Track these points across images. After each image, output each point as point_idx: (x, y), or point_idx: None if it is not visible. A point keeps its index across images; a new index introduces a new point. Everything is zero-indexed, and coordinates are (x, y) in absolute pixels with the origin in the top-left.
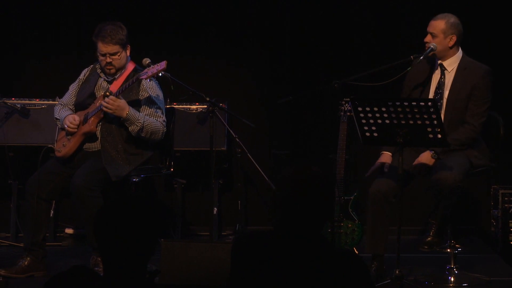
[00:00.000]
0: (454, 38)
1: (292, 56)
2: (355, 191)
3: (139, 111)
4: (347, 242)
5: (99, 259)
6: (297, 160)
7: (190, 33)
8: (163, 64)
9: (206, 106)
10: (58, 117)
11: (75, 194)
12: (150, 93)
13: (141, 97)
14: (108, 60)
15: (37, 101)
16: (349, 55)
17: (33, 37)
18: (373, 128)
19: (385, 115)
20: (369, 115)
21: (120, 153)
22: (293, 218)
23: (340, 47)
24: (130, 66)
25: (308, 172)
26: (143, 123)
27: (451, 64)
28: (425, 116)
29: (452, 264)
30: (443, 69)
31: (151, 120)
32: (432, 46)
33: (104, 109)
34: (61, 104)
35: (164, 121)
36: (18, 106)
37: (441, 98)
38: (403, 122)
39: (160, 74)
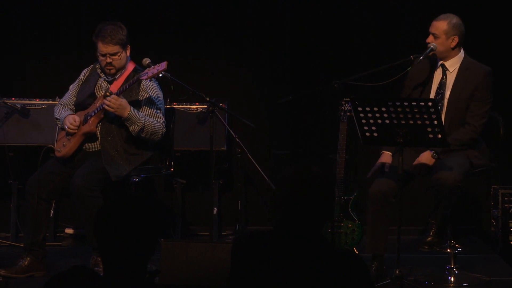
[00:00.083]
0: (456, 39)
1: (292, 56)
2: (355, 191)
3: (139, 112)
4: (347, 242)
5: (99, 259)
6: (297, 160)
7: (190, 33)
8: (163, 65)
9: (206, 106)
10: (58, 117)
11: (75, 194)
12: (150, 93)
13: (141, 98)
14: (108, 60)
15: (37, 101)
16: (349, 55)
17: (33, 37)
18: (373, 128)
19: (385, 115)
20: (369, 115)
21: (120, 153)
22: (293, 218)
23: (340, 47)
24: (130, 66)
25: (308, 172)
26: (144, 123)
27: (453, 64)
28: (425, 116)
29: (452, 264)
30: (444, 70)
31: (151, 120)
32: (432, 46)
33: (106, 107)
34: (61, 104)
35: (163, 122)
36: (18, 106)
37: (442, 98)
38: (403, 122)
39: (161, 75)
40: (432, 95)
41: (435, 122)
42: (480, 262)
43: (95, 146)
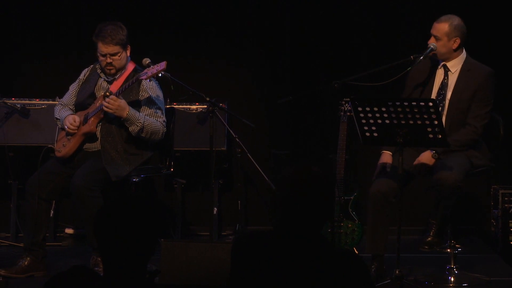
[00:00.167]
0: (458, 41)
1: (292, 56)
2: (355, 191)
3: (139, 112)
4: (347, 242)
5: (99, 259)
6: (297, 160)
7: (190, 33)
8: (163, 65)
9: (206, 106)
10: (58, 117)
11: (75, 194)
12: (150, 93)
13: (141, 98)
14: (109, 60)
15: (37, 101)
16: (349, 55)
17: (33, 37)
18: (373, 128)
19: (385, 115)
20: (369, 115)
21: (120, 153)
22: (293, 218)
23: (340, 47)
24: (130, 67)
25: (308, 172)
26: (143, 123)
27: (455, 65)
28: (425, 116)
29: (452, 264)
30: (446, 70)
31: (151, 120)
32: (432, 46)
33: (105, 109)
34: (61, 104)
35: (164, 121)
36: (18, 106)
37: (444, 99)
38: (403, 122)
39: (160, 75)
40: (433, 96)
41: (435, 122)
42: (480, 262)
43: (95, 146)
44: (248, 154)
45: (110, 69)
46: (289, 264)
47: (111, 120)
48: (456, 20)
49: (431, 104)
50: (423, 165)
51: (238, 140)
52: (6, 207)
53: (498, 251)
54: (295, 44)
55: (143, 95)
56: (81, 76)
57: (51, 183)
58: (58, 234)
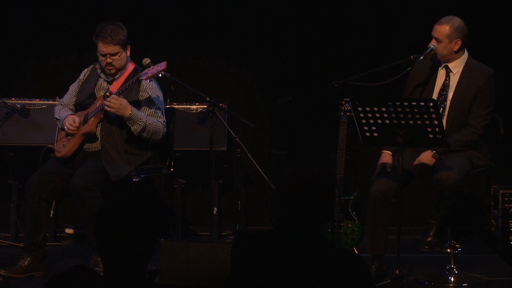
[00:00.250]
0: (459, 42)
1: (292, 56)
2: (355, 191)
3: (140, 111)
4: (347, 242)
5: (99, 259)
6: (297, 160)
7: (190, 33)
8: (163, 65)
9: (206, 106)
10: (58, 117)
11: (75, 194)
12: (150, 93)
13: (141, 98)
14: (109, 60)
15: (37, 101)
16: (349, 55)
17: (33, 37)
18: (373, 128)
19: (385, 115)
20: (369, 115)
21: (120, 153)
22: (293, 218)
23: (340, 47)
24: (130, 67)
25: (308, 172)
26: (146, 122)
27: (457, 66)
28: (425, 116)
29: (452, 264)
30: (448, 71)
31: (153, 120)
32: (432, 46)
33: (107, 108)
34: (61, 104)
35: (164, 121)
36: (18, 106)
37: (445, 99)
38: (403, 122)
39: (160, 75)
40: (434, 96)
41: (435, 122)
42: (480, 262)
43: (95, 146)
44: (248, 154)
45: (110, 69)
46: (289, 264)
47: (111, 120)
48: (457, 21)
49: (431, 104)
50: (423, 165)
51: (238, 140)
52: (6, 207)
53: (498, 251)
54: (295, 44)
55: (143, 95)
56: (81, 76)
57: (51, 183)
58: (58, 234)
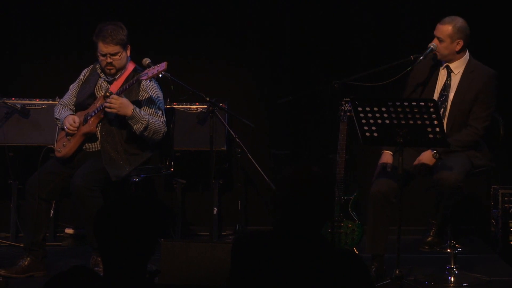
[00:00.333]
0: (461, 43)
1: (292, 56)
2: (355, 191)
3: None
4: (347, 242)
5: (99, 259)
6: (297, 160)
7: (190, 33)
8: (163, 65)
9: (206, 106)
10: (58, 117)
11: (75, 194)
12: (150, 93)
13: (141, 98)
14: (109, 60)
15: (37, 101)
16: (349, 55)
17: (33, 37)
18: (373, 128)
19: (385, 115)
20: (369, 115)
21: (120, 153)
22: (293, 218)
23: (340, 47)
24: (130, 67)
25: (308, 172)
26: (148, 121)
27: (458, 66)
28: (425, 116)
29: (452, 264)
30: (449, 72)
31: (154, 119)
32: (432, 46)
33: (108, 109)
34: (61, 104)
35: (164, 121)
36: (18, 106)
37: (446, 100)
38: (403, 122)
39: (161, 75)
40: (435, 96)
41: (435, 122)
42: (480, 262)
43: (95, 146)
44: (248, 154)
45: (110, 69)
46: (289, 264)
47: (111, 120)
48: (459, 22)
49: (431, 104)
50: (423, 165)
51: (238, 140)
52: (6, 207)
53: (498, 251)
54: (295, 44)
55: (143, 95)
56: (81, 76)
57: (51, 183)
58: (58, 234)
